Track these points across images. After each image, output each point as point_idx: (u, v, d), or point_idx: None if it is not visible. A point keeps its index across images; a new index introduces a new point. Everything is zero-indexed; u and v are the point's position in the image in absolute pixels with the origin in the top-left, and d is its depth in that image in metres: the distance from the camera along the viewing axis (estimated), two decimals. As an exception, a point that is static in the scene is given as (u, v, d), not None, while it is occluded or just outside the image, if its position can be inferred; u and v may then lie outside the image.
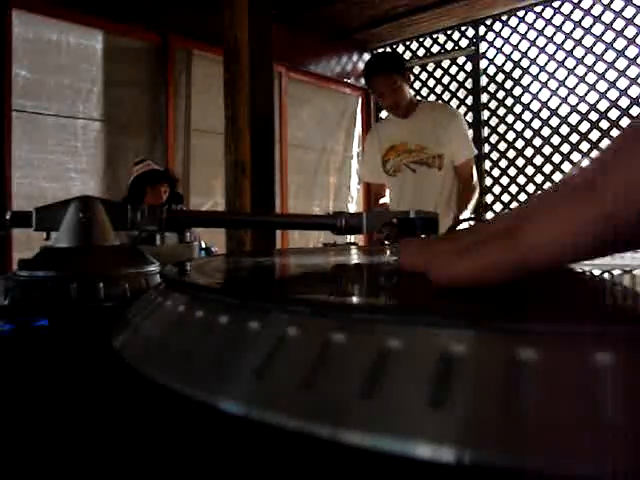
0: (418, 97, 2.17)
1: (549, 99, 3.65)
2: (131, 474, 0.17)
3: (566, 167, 3.57)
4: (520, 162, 3.78)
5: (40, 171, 2.82)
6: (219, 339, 0.20)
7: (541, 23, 3.68)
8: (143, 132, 3.23)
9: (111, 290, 0.51)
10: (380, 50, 4.45)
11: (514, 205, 3.82)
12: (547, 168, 3.65)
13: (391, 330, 0.16)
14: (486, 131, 3.96)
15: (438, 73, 4.21)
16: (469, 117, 4.04)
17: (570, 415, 0.13)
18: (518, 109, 3.79)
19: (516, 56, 3.80)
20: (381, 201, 2.31)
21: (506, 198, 3.86)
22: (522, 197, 3.78)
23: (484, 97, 3.98)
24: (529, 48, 3.73)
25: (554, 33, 3.62)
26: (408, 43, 4.32)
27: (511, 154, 3.82)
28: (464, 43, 4.08)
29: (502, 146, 3.87)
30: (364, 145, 2.50)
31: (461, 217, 1.99)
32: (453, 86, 4.14)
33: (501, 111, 3.89)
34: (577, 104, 3.53)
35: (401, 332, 0.16)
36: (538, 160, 3.69)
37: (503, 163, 3.87)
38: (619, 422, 0.13)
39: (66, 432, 0.19)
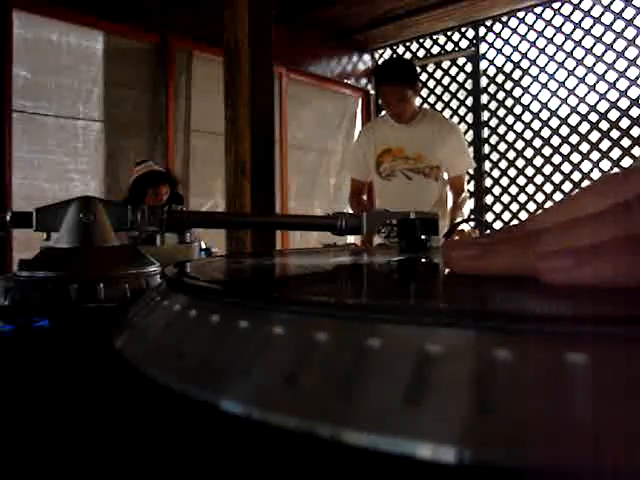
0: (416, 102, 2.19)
1: (549, 100, 3.65)
2: (131, 474, 0.16)
3: (566, 168, 3.57)
4: (520, 163, 3.78)
5: (40, 172, 2.82)
6: (220, 339, 0.20)
7: (541, 24, 3.69)
8: (143, 133, 3.24)
9: (111, 291, 0.51)
10: (380, 51, 4.46)
11: (514, 206, 3.83)
12: (547, 169, 3.65)
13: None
14: (486, 132, 3.96)
15: (438, 74, 4.22)
16: (469, 118, 4.05)
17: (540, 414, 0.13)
18: (518, 110, 3.80)
19: (516, 57, 3.81)
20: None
21: (506, 199, 3.86)
22: (522, 198, 3.78)
23: (484, 98, 3.99)
24: (529, 49, 3.74)
25: (554, 34, 3.63)
26: (408, 44, 4.32)
27: (511, 155, 3.83)
28: (464, 44, 4.08)
29: (502, 147, 3.87)
30: (356, 141, 2.50)
31: (456, 221, 2.00)
32: (453, 87, 4.14)
33: (501, 112, 3.89)
34: (577, 105, 3.53)
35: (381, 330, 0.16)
36: (538, 161, 3.70)
37: (503, 164, 3.87)
38: (586, 420, 0.13)
39: (66, 432, 0.19)
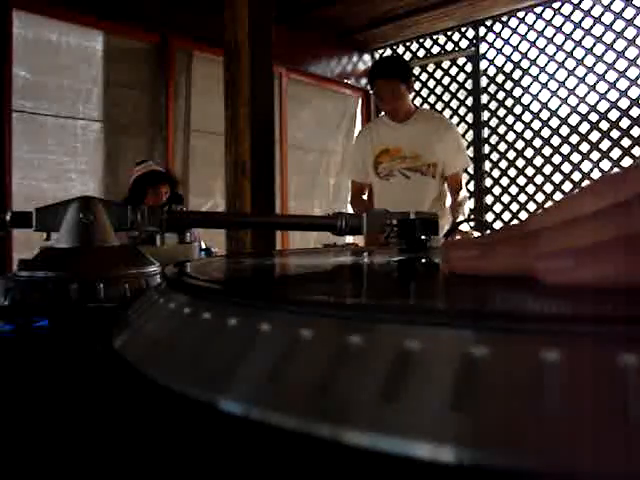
0: (416, 102, 2.22)
1: (549, 100, 3.65)
2: (131, 474, 0.17)
3: (566, 168, 3.57)
4: (520, 163, 3.78)
5: (40, 171, 2.82)
6: (220, 339, 0.20)
7: (541, 24, 3.69)
8: (143, 133, 3.24)
9: (111, 291, 0.51)
10: (380, 51, 4.46)
11: (514, 206, 3.83)
12: (547, 169, 3.65)
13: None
14: (486, 132, 3.96)
15: (438, 74, 4.22)
16: (469, 118, 4.05)
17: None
18: (518, 110, 3.80)
19: (516, 57, 3.81)
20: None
21: (506, 199, 3.87)
22: (522, 198, 3.78)
23: (484, 98, 3.99)
24: (529, 49, 3.74)
25: (554, 34, 3.63)
26: (408, 44, 4.32)
27: (511, 155, 3.83)
28: (464, 44, 4.08)
29: (502, 147, 3.87)
30: (354, 143, 2.52)
31: (457, 221, 2.01)
32: (453, 87, 4.14)
33: (501, 112, 3.89)
34: (577, 105, 3.53)
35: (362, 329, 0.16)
36: (538, 161, 3.70)
37: (503, 164, 3.87)
38: (563, 418, 0.13)
39: (66, 432, 0.19)
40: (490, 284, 0.22)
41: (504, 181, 3.87)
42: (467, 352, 0.15)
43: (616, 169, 3.37)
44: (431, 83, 4.25)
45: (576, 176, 3.54)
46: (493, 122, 3.93)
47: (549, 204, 3.63)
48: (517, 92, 3.82)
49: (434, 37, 4.20)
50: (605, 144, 3.42)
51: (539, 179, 3.69)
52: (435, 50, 4.24)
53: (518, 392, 0.14)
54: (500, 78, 3.91)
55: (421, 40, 4.26)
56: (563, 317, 0.15)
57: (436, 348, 0.15)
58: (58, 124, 2.88)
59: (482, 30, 3.99)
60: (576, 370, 0.13)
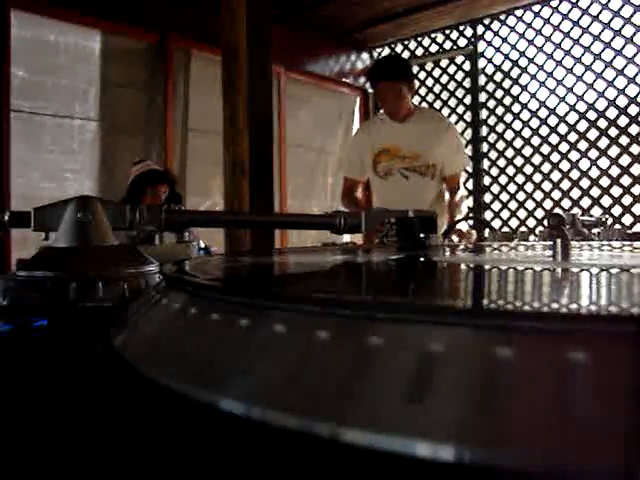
0: (414, 101, 2.22)
1: (547, 98, 3.65)
2: (131, 474, 0.16)
3: (564, 166, 3.58)
4: (518, 161, 3.78)
5: (37, 171, 2.81)
6: (219, 337, 0.20)
7: (539, 22, 3.69)
8: (140, 132, 3.23)
9: (110, 290, 0.50)
10: (379, 50, 4.46)
11: (512, 204, 3.83)
12: (545, 167, 3.65)
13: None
14: (484, 130, 3.96)
15: (436, 72, 4.22)
16: (467, 116, 4.05)
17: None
18: (516, 108, 3.79)
19: (514, 55, 3.81)
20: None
21: (504, 197, 3.87)
22: (520, 196, 3.78)
23: (482, 96, 3.99)
24: (527, 47, 3.74)
25: (552, 32, 3.63)
26: (406, 42, 4.32)
27: (509, 153, 3.83)
28: (462, 42, 4.08)
29: (500, 145, 3.87)
30: (352, 139, 2.52)
31: (455, 220, 2.01)
32: (451, 85, 4.14)
33: (499, 110, 3.89)
34: (575, 103, 3.53)
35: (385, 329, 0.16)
36: (536, 159, 3.70)
37: (501, 162, 3.87)
38: (586, 420, 0.13)
39: (66, 432, 0.19)
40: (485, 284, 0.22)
41: (502, 179, 3.87)
42: (485, 353, 0.15)
43: (614, 167, 3.38)
44: (429, 81, 4.24)
45: (574, 174, 3.54)
46: (491, 120, 3.93)
47: (547, 203, 3.63)
48: (515, 90, 3.82)
49: (432, 35, 4.19)
50: (603, 142, 3.42)
51: (537, 177, 3.70)
52: (433, 48, 4.24)
53: (539, 393, 0.13)
54: (498, 76, 3.91)
55: (419, 38, 4.26)
56: (584, 317, 0.15)
57: (452, 349, 0.15)
58: (55, 124, 2.88)
59: (480, 28, 3.99)
60: (600, 370, 0.13)
